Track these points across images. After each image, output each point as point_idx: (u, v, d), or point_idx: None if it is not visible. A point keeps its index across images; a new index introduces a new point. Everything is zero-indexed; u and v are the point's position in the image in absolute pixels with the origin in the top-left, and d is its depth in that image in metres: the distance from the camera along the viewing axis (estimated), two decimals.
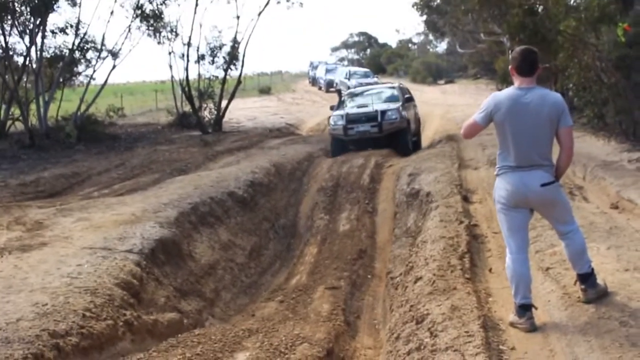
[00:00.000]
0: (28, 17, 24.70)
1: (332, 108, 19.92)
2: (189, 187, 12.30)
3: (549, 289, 5.95)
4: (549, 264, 6.50)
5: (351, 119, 18.04)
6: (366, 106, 18.56)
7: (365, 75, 41.74)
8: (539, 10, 17.13)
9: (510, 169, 5.23)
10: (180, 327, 7.50)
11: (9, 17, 24.12)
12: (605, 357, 4.53)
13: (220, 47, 29.68)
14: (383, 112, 17.85)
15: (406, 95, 19.88)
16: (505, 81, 19.86)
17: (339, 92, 20.96)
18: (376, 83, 40.07)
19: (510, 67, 5.32)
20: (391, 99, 19.38)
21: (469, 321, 5.37)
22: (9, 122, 25.39)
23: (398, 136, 17.80)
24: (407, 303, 6.64)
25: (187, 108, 29.15)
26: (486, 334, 5.14)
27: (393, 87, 20.87)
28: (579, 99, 17.09)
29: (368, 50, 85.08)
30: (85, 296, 6.69)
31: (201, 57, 29.35)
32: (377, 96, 19.68)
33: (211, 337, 6.62)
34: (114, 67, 28.46)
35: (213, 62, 29.70)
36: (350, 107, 19.08)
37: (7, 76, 24.74)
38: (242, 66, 30.16)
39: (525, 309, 5.23)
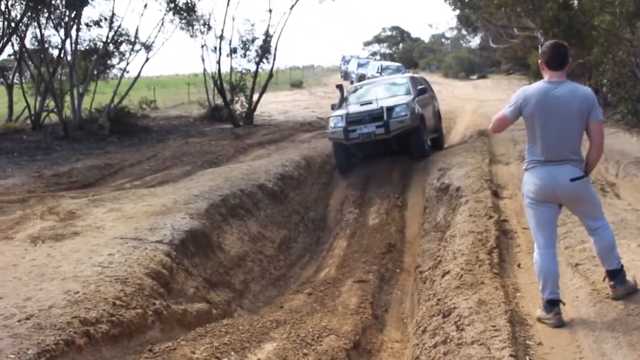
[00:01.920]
0: (63, 10, 25.01)
1: (333, 107, 16.90)
2: (220, 179, 12.40)
3: (578, 285, 5.91)
4: (578, 260, 6.45)
5: (352, 120, 14.58)
6: (370, 102, 15.09)
7: (398, 70, 41.41)
8: (574, 4, 16.96)
9: (539, 163, 5.20)
10: (208, 318, 7.59)
11: (45, 10, 24.42)
12: (633, 354, 4.50)
13: (253, 41, 29.83)
14: (390, 109, 14.47)
15: (420, 87, 16.47)
16: (539, 76, 19.50)
17: (340, 87, 17.24)
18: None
19: (540, 61, 5.28)
20: (401, 91, 16.20)
21: (495, 315, 5.35)
22: (44, 114, 25.75)
23: (410, 137, 14.65)
24: (435, 297, 6.63)
25: (219, 101, 29.31)
26: (513, 328, 5.12)
27: (404, 78, 17.70)
28: (613, 95, 16.87)
29: (400, 45, 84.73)
30: (116, 285, 6.79)
31: (233, 51, 29.51)
32: (384, 89, 16.60)
33: (239, 328, 6.67)
34: (147, 60, 28.72)
35: (245, 55, 29.88)
36: (352, 105, 15.75)
37: (42, 68, 25.14)
38: (274, 60, 30.25)
39: (552, 304, 5.21)
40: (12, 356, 5.08)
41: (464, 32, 66.26)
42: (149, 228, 8.86)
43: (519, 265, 7.06)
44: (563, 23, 16.05)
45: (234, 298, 8.88)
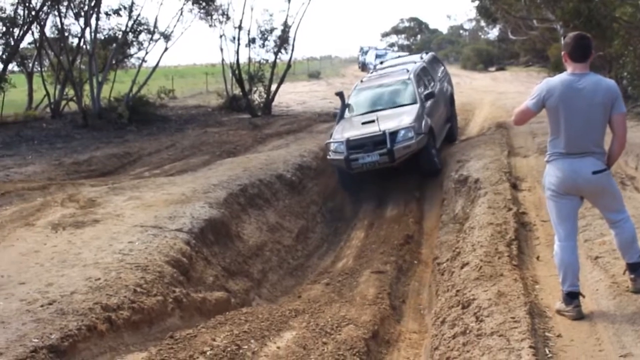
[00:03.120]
0: None
1: (335, 116, 15.22)
2: (238, 169, 12.45)
3: (598, 278, 5.90)
4: (598, 252, 6.44)
5: (354, 145, 12.73)
6: (372, 122, 13.04)
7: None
8: None
9: (562, 155, 5.18)
10: (227, 306, 7.65)
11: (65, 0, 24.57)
12: None
13: (271, 31, 29.80)
14: (393, 134, 12.60)
15: (426, 91, 14.65)
16: (558, 69, 19.48)
17: (340, 95, 14.97)
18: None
19: (563, 53, 5.25)
20: (405, 99, 14.17)
21: (515, 307, 5.36)
22: (63, 102, 25.93)
23: (418, 156, 12.97)
24: (453, 288, 6.65)
25: (237, 91, 29.34)
26: (532, 320, 5.13)
27: (409, 78, 14.75)
28: (633, 88, 16.73)
29: (418, 36, 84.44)
30: (137, 272, 6.87)
31: (252, 41, 29.52)
32: (388, 98, 14.55)
33: (258, 316, 6.72)
34: (165, 49, 28.89)
35: (263, 45, 29.87)
36: (354, 124, 13.70)
37: (62, 57, 25.30)
38: (292, 50, 30.27)
39: (572, 296, 5.20)
40: (36, 340, 5.16)
41: (482, 23, 65.88)
42: (169, 216, 8.93)
43: (538, 258, 7.04)
44: (583, 15, 15.89)
45: (252, 287, 8.94)
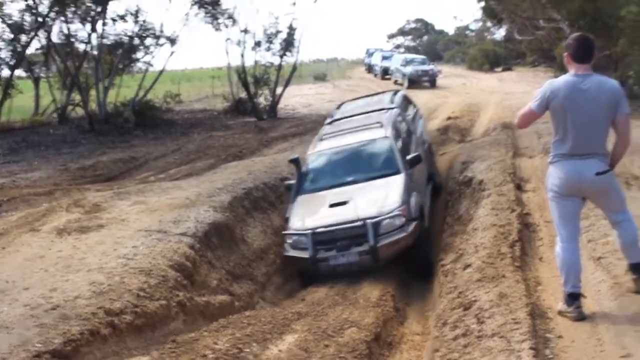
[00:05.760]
0: (90, 4, 25.23)
1: (288, 188, 10.55)
2: (243, 173, 12.48)
3: (600, 279, 5.88)
4: (601, 253, 6.42)
5: (323, 240, 9.01)
6: (344, 203, 9.33)
7: (422, 63, 41.18)
8: None
9: (565, 157, 5.17)
10: (231, 309, 7.69)
11: (72, 5, 24.67)
12: None
13: (277, 34, 29.92)
14: (377, 224, 8.86)
15: (404, 130, 11.39)
16: (564, 69, 19.31)
17: (295, 161, 10.53)
18: (432, 71, 39.71)
19: (565, 54, 5.24)
20: (384, 172, 9.97)
21: (516, 309, 5.37)
22: (70, 108, 26.05)
23: (410, 249, 9.03)
24: (456, 289, 6.66)
25: (243, 94, 29.43)
26: (533, 321, 5.14)
27: (384, 137, 10.48)
28: (639, 87, 16.70)
29: (425, 37, 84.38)
30: (140, 277, 6.91)
31: (257, 44, 29.65)
32: (360, 167, 10.28)
33: (261, 319, 6.75)
34: (171, 53, 29.00)
35: (269, 48, 30.00)
36: (318, 204, 9.71)
37: (68, 62, 25.41)
38: (298, 53, 30.34)
39: (574, 297, 5.20)
40: (39, 345, 5.20)
41: (488, 24, 65.68)
42: (173, 221, 8.97)
43: (540, 259, 7.04)
44: (589, 14, 15.91)
45: (257, 290, 8.96)
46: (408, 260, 9.14)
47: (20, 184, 14.04)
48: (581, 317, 5.15)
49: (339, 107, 14.07)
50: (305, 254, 8.97)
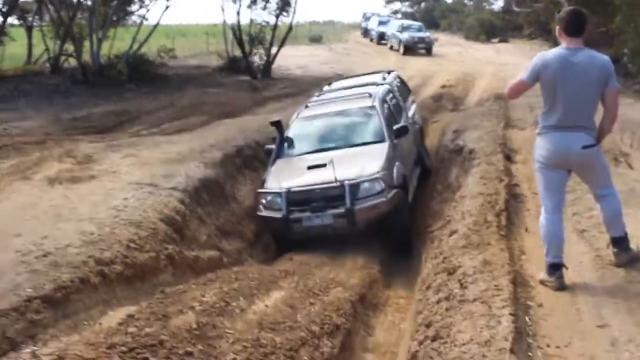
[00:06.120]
0: None
1: (268, 153, 10.37)
2: (236, 131, 12.51)
3: (582, 251, 5.99)
4: (585, 226, 6.53)
5: (297, 200, 8.76)
6: (322, 166, 9.00)
7: (419, 30, 41.00)
8: None
9: (553, 128, 5.23)
10: (219, 265, 7.79)
11: None
12: (631, 319, 4.60)
13: None
14: (354, 187, 8.65)
15: (395, 106, 11.23)
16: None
17: (278, 124, 10.24)
18: (429, 39, 39.54)
19: (557, 27, 5.29)
20: (370, 135, 10.04)
21: (499, 276, 5.47)
22: (63, 58, 25.82)
23: (389, 220, 8.82)
24: (441, 255, 6.75)
25: (238, 52, 29.25)
26: (515, 289, 5.24)
27: (371, 106, 10.37)
28: (633, 65, 16.72)
29: (422, 4, 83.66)
30: (130, 228, 6.99)
31: (253, 2, 29.43)
32: (344, 135, 10.18)
33: (248, 275, 6.84)
34: (167, 7, 28.85)
35: (265, 7, 29.76)
36: (296, 167, 9.53)
37: (62, 12, 25.11)
38: (294, 13, 30.21)
39: (555, 267, 5.30)
40: (30, 290, 5.28)
41: None
42: (164, 175, 9.03)
43: (526, 229, 7.11)
44: None
45: (245, 248, 9.07)
46: (387, 236, 8.93)
47: (12, 132, 14.03)
48: (562, 287, 5.25)
49: (330, 83, 13.76)
50: (277, 214, 8.73)
